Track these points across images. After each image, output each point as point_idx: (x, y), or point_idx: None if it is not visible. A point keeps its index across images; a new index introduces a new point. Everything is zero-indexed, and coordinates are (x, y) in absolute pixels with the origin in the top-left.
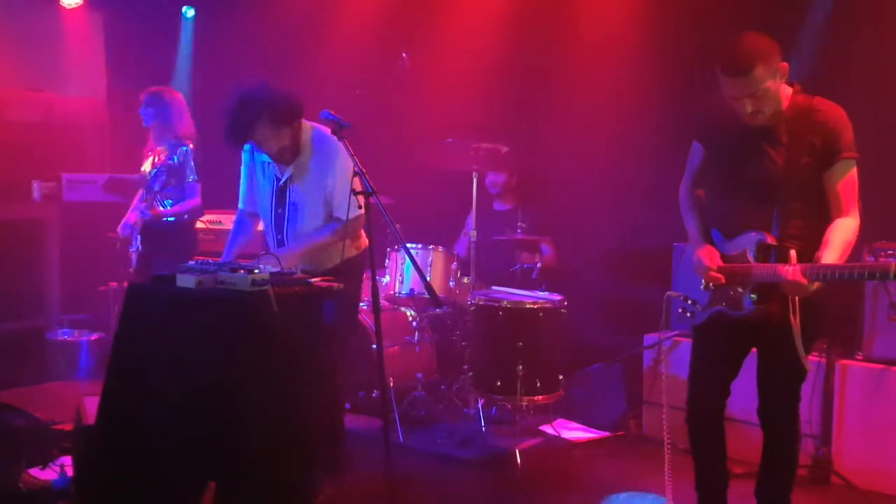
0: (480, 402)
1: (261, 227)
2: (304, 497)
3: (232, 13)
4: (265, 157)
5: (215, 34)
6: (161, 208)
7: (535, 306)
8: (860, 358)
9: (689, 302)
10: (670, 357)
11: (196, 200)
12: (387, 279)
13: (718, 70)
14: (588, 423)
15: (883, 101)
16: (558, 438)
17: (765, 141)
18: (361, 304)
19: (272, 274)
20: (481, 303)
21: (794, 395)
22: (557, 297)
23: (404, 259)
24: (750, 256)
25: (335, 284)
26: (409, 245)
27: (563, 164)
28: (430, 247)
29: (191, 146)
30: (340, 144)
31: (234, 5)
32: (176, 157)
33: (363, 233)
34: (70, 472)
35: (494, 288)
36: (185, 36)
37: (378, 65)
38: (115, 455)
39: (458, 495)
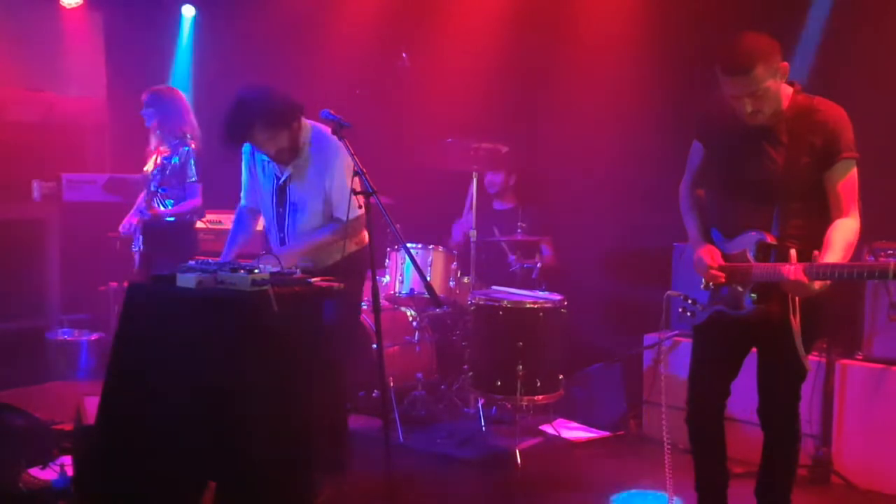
0: (480, 402)
1: (261, 226)
2: (304, 497)
3: (232, 13)
4: (265, 156)
5: (216, 34)
6: (161, 208)
7: (535, 306)
8: (860, 358)
9: (690, 301)
10: (670, 357)
11: (196, 201)
12: (387, 279)
13: (719, 69)
14: (588, 423)
15: (883, 101)
16: (558, 438)
17: (765, 140)
18: (362, 303)
19: (272, 274)
20: (481, 303)
21: (794, 395)
22: (557, 297)
23: (404, 259)
24: (750, 256)
25: (335, 284)
26: (409, 245)
27: (563, 164)
28: (430, 247)
29: (193, 146)
30: (340, 144)
31: (234, 5)
32: (177, 158)
33: (364, 230)
34: (70, 472)
35: (494, 288)
36: (185, 36)
37: (378, 65)
38: (115, 455)
39: (458, 495)
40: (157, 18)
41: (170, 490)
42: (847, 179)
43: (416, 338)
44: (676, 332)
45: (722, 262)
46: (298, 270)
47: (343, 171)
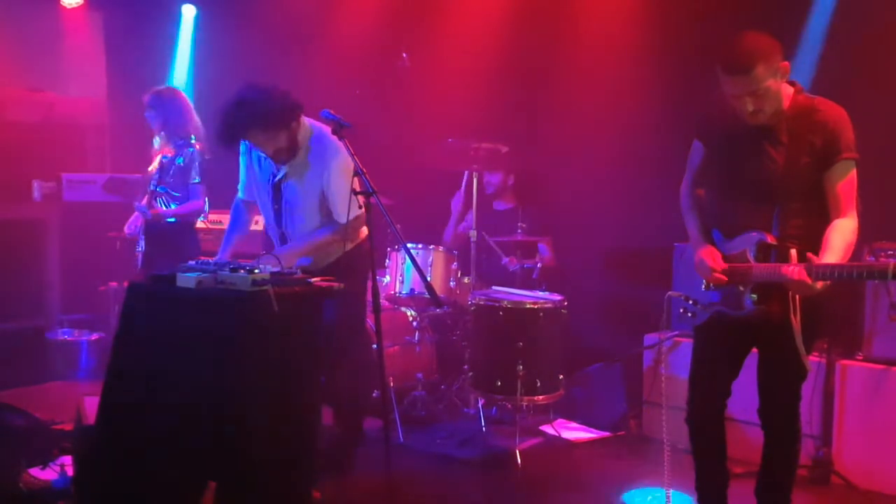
0: (480, 402)
1: (262, 225)
2: (304, 497)
3: (233, 13)
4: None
5: (216, 33)
6: (162, 208)
7: (535, 306)
8: (860, 358)
9: (690, 302)
10: (670, 357)
11: (199, 202)
12: (387, 279)
13: (719, 68)
14: (588, 423)
15: (884, 101)
16: (558, 438)
17: (765, 140)
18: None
19: (272, 274)
20: (481, 303)
21: (794, 395)
22: (557, 297)
23: (404, 259)
24: (750, 256)
25: (335, 284)
26: (409, 245)
27: (563, 164)
28: (431, 247)
29: (198, 147)
30: (340, 144)
31: (234, 5)
32: (182, 158)
33: (364, 228)
34: (70, 472)
35: (494, 288)
36: (186, 35)
37: (378, 65)
38: (115, 455)
39: (458, 495)
40: (158, 18)
41: (170, 490)
42: (846, 180)
43: (416, 338)
44: (677, 332)
45: (723, 265)
46: (298, 270)
47: (341, 170)
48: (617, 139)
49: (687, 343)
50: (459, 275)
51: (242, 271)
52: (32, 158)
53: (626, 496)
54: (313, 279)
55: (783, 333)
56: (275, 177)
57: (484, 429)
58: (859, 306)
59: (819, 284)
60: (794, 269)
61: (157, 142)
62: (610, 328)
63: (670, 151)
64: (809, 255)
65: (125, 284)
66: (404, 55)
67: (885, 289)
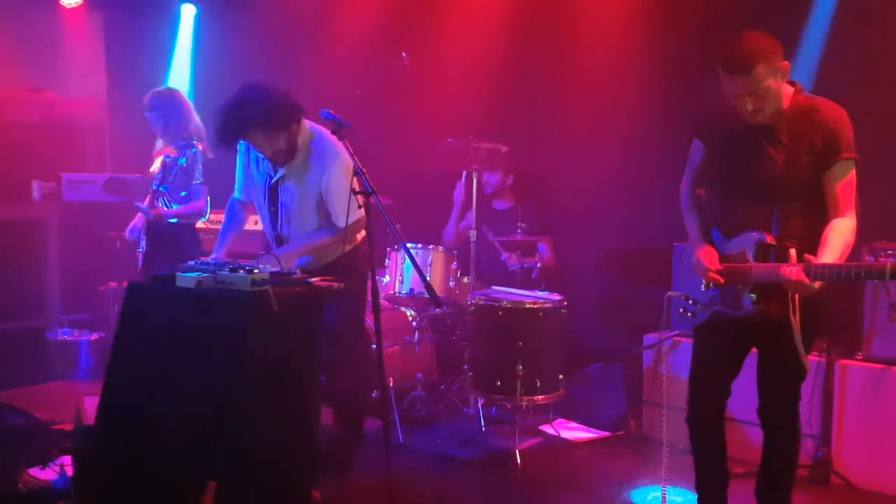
0: (480, 402)
1: (261, 226)
2: (304, 497)
3: (233, 12)
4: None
5: (216, 33)
6: (164, 209)
7: (535, 306)
8: (860, 358)
9: (690, 302)
10: (670, 357)
11: (201, 203)
12: (387, 279)
13: (720, 68)
14: (588, 423)
15: (884, 101)
16: (558, 438)
17: (765, 140)
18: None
19: (272, 274)
20: (481, 303)
21: (794, 395)
22: (557, 297)
23: (404, 259)
24: (749, 256)
25: (335, 284)
26: (409, 245)
27: (563, 164)
28: (430, 247)
29: (201, 148)
30: (340, 145)
31: (235, 5)
32: (185, 159)
33: (363, 230)
34: (70, 472)
35: (494, 288)
36: (186, 35)
37: (378, 65)
38: (115, 455)
39: (458, 495)
40: (157, 18)
41: (170, 490)
42: (846, 180)
43: (415, 338)
44: (677, 332)
45: (719, 265)
46: (298, 270)
47: (340, 172)
48: (617, 139)
49: (687, 343)
50: (459, 275)
51: (242, 271)
52: (32, 158)
53: (634, 494)
54: (313, 279)
55: (782, 333)
56: (271, 178)
57: (484, 429)
58: (859, 306)
59: (817, 284)
60: (792, 269)
61: (159, 143)
62: (610, 328)
63: (670, 151)
64: (807, 255)
65: (125, 284)
66: (404, 55)
67: (885, 289)
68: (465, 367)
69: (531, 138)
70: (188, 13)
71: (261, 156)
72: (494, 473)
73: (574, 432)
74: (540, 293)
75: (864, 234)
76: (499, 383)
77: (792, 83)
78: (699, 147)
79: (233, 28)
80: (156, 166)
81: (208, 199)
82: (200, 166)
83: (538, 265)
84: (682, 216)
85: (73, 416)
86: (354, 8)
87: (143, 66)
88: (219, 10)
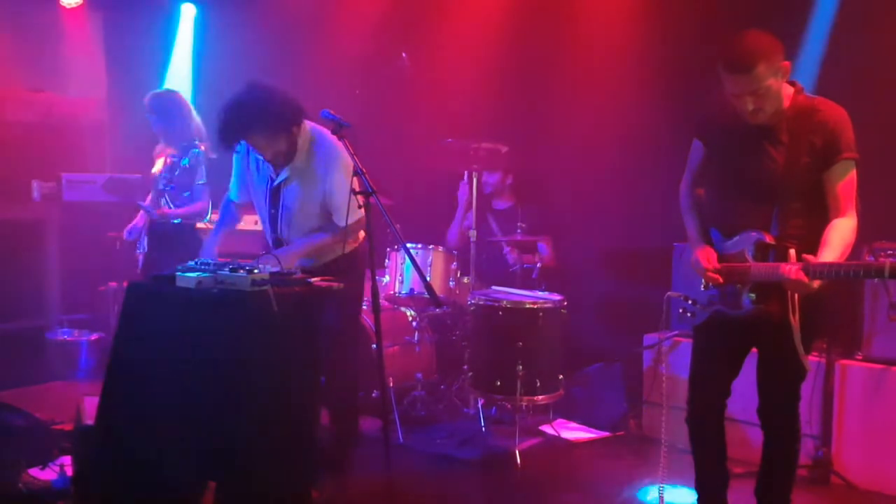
0: (480, 402)
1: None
2: (304, 497)
3: (232, 12)
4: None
5: (216, 33)
6: (168, 208)
7: (535, 306)
8: (860, 358)
9: (690, 302)
10: (670, 357)
11: (203, 203)
12: (387, 279)
13: (721, 66)
14: (588, 423)
15: (884, 101)
16: (558, 438)
17: (765, 140)
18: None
19: (272, 274)
20: (481, 303)
21: (793, 395)
22: (557, 297)
23: (404, 259)
24: (748, 256)
25: (335, 284)
26: (409, 245)
27: (563, 164)
28: (430, 247)
29: (203, 148)
30: (340, 145)
31: (234, 5)
32: (187, 160)
33: (362, 231)
34: (70, 472)
35: (494, 288)
36: (186, 35)
37: (378, 65)
38: (115, 455)
39: (458, 495)
40: (157, 18)
41: (170, 490)
42: (846, 180)
43: (415, 338)
44: (676, 332)
45: (717, 265)
46: (298, 270)
47: (342, 173)
48: (617, 139)
49: (686, 343)
50: (459, 275)
51: (242, 271)
52: (32, 158)
53: (634, 494)
54: (313, 279)
55: (782, 333)
56: (273, 181)
57: (484, 429)
58: (859, 306)
59: (816, 283)
60: (791, 268)
61: (160, 143)
62: (610, 328)
63: (670, 151)
64: (805, 255)
65: (125, 284)
66: (404, 55)
67: (885, 289)
68: (465, 367)
69: (531, 138)
70: (188, 13)
71: (261, 158)
72: (494, 473)
73: (574, 432)
74: (540, 293)
75: (865, 234)
76: (499, 383)
77: (792, 83)
78: (699, 147)
79: (233, 28)
80: (158, 167)
81: (210, 199)
82: (204, 167)
83: (538, 265)
84: (682, 216)
85: (73, 416)
86: (354, 8)
87: (143, 66)
88: (219, 9)
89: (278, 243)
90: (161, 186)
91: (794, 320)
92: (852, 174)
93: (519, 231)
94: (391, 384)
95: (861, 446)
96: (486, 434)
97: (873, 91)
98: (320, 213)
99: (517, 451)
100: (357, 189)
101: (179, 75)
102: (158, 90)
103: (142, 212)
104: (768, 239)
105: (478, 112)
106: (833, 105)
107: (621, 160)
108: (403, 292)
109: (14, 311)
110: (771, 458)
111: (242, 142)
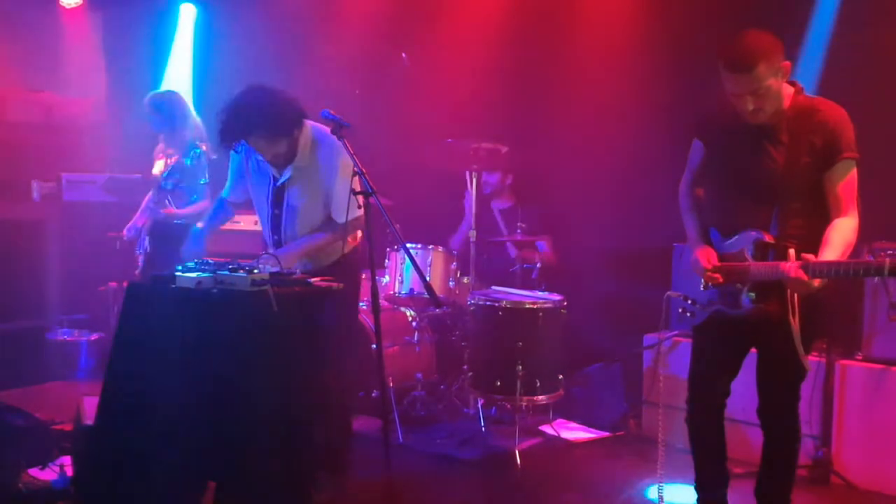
0: (480, 402)
1: (259, 225)
2: (304, 498)
3: (232, 12)
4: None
5: (215, 33)
6: (172, 208)
7: (535, 306)
8: (860, 358)
9: (689, 302)
10: (670, 357)
11: (205, 203)
12: (386, 279)
13: (721, 66)
14: (588, 423)
15: (886, 101)
16: (558, 438)
17: (765, 140)
18: (361, 303)
19: (272, 274)
20: (481, 303)
21: (793, 395)
22: (557, 297)
23: (404, 259)
24: (748, 255)
25: (335, 284)
26: (408, 245)
27: (563, 164)
28: (430, 247)
29: (204, 148)
30: (340, 145)
31: (234, 5)
32: (189, 160)
33: (359, 231)
34: (70, 472)
35: (494, 288)
36: (185, 35)
37: (378, 65)
38: (115, 455)
39: (458, 495)
40: (157, 18)
41: (170, 490)
42: (847, 180)
43: (415, 338)
44: (676, 332)
45: (716, 264)
46: (298, 271)
47: (344, 172)
48: (616, 139)
49: (686, 343)
50: (459, 275)
51: (242, 272)
52: (32, 158)
53: (634, 494)
54: (313, 279)
55: (782, 333)
56: (276, 181)
57: (484, 429)
58: (859, 306)
59: (817, 282)
60: (791, 267)
61: (160, 144)
62: (610, 328)
63: (670, 151)
64: (804, 255)
65: (125, 284)
66: (404, 55)
67: (885, 288)
68: (465, 367)
69: (531, 138)
70: (188, 13)
71: (261, 158)
72: (494, 473)
73: (574, 432)
74: (540, 293)
75: (865, 234)
76: (499, 383)
77: (792, 83)
78: (699, 147)
79: (232, 28)
80: (158, 167)
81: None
82: (205, 166)
83: (538, 265)
84: (682, 216)
85: (73, 416)
86: (354, 8)
87: (143, 66)
88: (219, 9)
89: (278, 244)
90: (169, 187)
91: (794, 320)
92: (853, 174)
93: (519, 231)
94: (391, 384)
95: (861, 446)
96: (486, 434)
97: (873, 91)
98: (323, 211)
99: (517, 451)
100: (357, 189)
101: (179, 75)
102: (158, 90)
103: (141, 211)
104: (767, 238)
105: (478, 112)
106: (833, 105)
107: (621, 160)
108: (403, 292)
109: (14, 311)
110: (771, 459)
111: (243, 142)
